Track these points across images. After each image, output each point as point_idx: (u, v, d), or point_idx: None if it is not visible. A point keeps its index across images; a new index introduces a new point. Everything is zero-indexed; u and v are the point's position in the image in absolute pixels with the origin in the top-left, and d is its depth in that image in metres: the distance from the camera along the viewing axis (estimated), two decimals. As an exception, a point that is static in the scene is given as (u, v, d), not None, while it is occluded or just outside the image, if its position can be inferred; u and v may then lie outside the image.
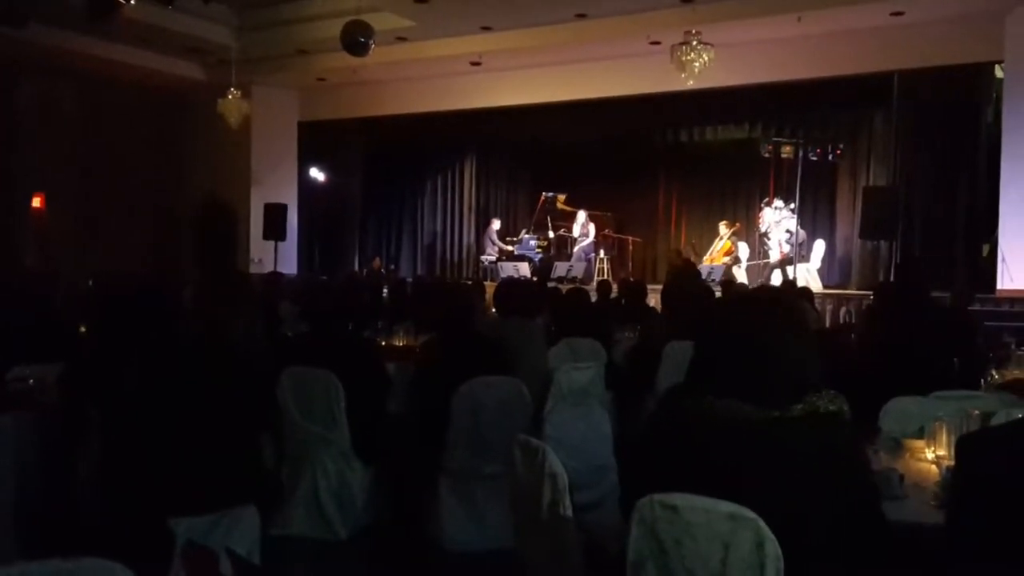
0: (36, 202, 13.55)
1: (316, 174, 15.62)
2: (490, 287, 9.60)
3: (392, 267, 15.92)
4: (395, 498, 4.32)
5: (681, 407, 2.03)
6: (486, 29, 11.82)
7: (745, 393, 1.95)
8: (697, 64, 10.21)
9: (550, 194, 14.85)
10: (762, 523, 1.85)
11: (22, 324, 4.47)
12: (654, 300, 8.58)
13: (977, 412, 2.69)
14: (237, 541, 2.88)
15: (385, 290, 9.51)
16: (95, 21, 9.80)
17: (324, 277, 12.97)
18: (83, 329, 4.99)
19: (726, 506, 1.88)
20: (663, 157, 14.98)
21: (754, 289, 6.73)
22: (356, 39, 10.25)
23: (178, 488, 2.79)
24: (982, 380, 4.41)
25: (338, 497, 4.20)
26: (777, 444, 1.91)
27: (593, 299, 7.95)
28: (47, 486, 3.51)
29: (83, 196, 13.75)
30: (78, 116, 13.82)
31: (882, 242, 11.50)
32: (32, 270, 10.80)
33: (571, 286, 8.69)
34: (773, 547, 1.85)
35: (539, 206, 14.93)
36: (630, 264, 14.68)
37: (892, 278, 6.83)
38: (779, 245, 12.50)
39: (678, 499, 1.93)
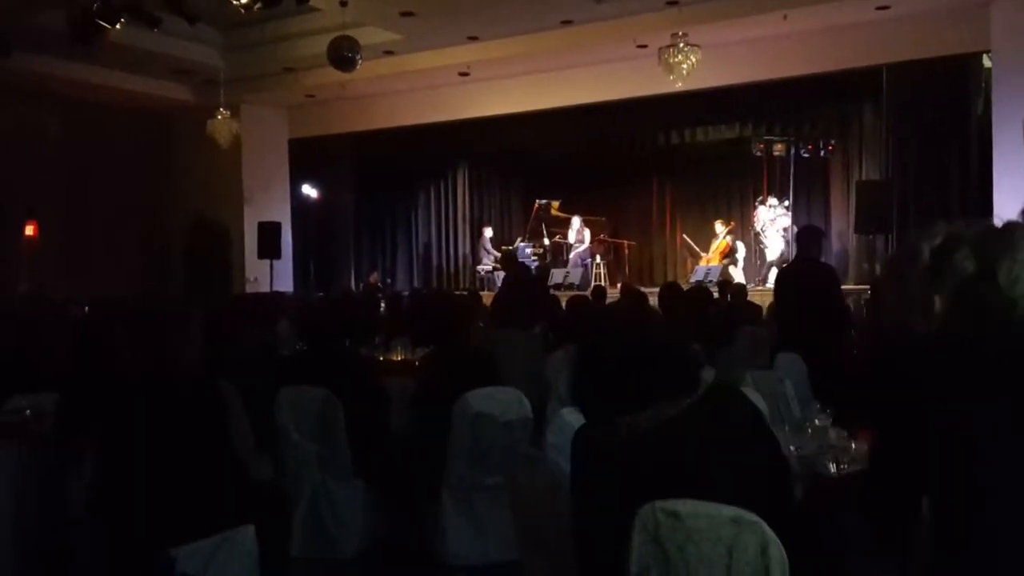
0: (29, 230, 13.51)
1: (309, 191, 15.59)
2: (487, 296, 9.56)
3: (388, 280, 15.90)
4: (397, 515, 4.30)
5: (598, 441, 2.03)
6: (473, 39, 11.81)
7: (636, 405, 1.99)
8: (685, 66, 10.22)
9: (544, 201, 14.86)
10: (766, 526, 1.85)
11: (15, 352, 4.46)
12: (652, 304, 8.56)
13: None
14: (236, 565, 2.83)
15: (382, 304, 9.48)
16: (80, 45, 9.77)
17: (321, 294, 12.95)
18: (76, 357, 4.95)
19: (729, 510, 1.88)
20: (655, 160, 14.98)
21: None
22: (343, 54, 10.26)
23: (174, 514, 2.77)
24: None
25: (340, 516, 4.19)
26: (696, 436, 1.96)
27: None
28: (44, 517, 3.52)
29: (75, 222, 13.72)
30: (67, 141, 13.79)
31: (877, 235, 11.50)
32: (25, 298, 10.74)
33: (573, 294, 8.70)
34: (778, 550, 1.85)
35: (533, 214, 14.95)
36: (627, 268, 14.66)
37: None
38: (776, 243, 12.50)
39: (680, 505, 1.92)
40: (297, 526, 4.15)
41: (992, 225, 1.82)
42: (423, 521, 4.22)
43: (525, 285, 7.95)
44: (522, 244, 14.81)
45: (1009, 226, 1.81)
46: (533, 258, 14.59)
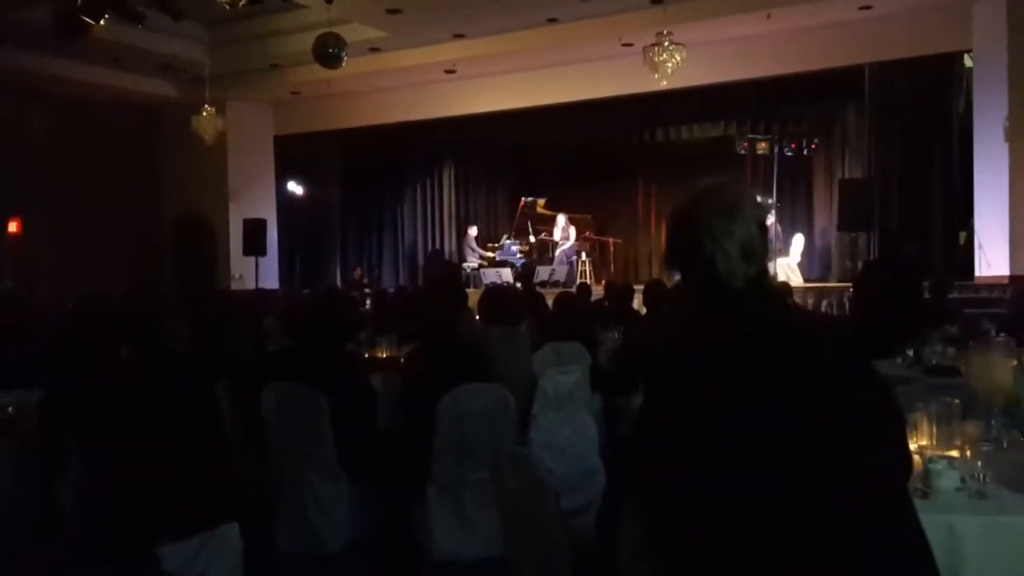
0: (12, 226, 13.42)
1: (294, 188, 15.57)
2: (474, 294, 9.58)
3: (374, 276, 15.90)
4: (383, 511, 4.28)
5: None
6: (459, 37, 11.84)
7: None
8: (669, 64, 10.26)
9: (529, 199, 14.89)
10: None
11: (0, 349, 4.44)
12: (638, 302, 8.61)
13: (957, 402, 2.67)
14: (220, 563, 2.83)
15: (368, 301, 9.49)
16: (65, 42, 9.73)
17: (306, 291, 12.93)
18: (62, 353, 4.94)
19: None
20: (640, 157, 15.03)
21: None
22: (329, 51, 10.24)
23: (160, 513, 2.76)
24: None
25: (326, 512, 4.16)
26: None
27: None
28: (28, 514, 3.47)
29: (59, 218, 13.65)
30: (52, 138, 13.71)
31: (860, 233, 11.59)
32: (9, 294, 10.65)
33: (559, 291, 8.73)
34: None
35: (519, 211, 14.97)
36: (612, 266, 14.71)
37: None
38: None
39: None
40: (283, 522, 4.13)
41: (723, 190, 1.69)
42: (409, 516, 4.20)
43: (444, 281, 7.92)
44: (508, 241, 14.84)
45: (733, 193, 1.68)
46: (519, 256, 14.62)
